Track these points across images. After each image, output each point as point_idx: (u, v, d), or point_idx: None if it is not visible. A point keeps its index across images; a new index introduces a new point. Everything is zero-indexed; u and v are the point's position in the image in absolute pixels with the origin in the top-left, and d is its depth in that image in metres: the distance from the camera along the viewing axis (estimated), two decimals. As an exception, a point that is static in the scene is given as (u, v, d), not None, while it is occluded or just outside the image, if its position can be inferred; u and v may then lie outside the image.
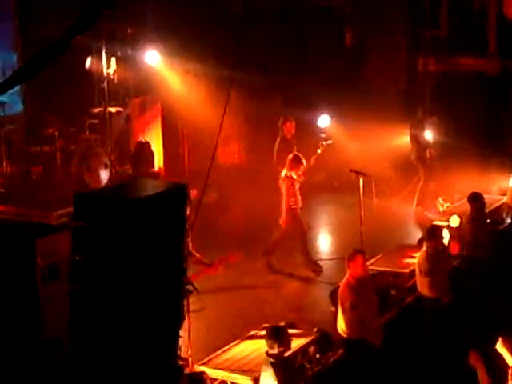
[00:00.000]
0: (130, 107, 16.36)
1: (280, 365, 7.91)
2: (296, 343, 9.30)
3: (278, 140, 14.43)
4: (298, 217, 12.93)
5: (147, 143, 15.87)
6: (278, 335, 8.02)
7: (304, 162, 12.94)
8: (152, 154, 15.87)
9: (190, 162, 16.36)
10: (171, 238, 7.35)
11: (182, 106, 16.31)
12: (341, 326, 9.58)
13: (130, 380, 7.10)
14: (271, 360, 7.90)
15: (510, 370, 7.64)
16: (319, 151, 13.90)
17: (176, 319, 7.54)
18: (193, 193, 14.16)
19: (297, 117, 14.98)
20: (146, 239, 7.03)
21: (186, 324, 7.93)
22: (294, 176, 12.85)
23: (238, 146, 18.17)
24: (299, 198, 12.98)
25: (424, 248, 10.95)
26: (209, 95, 16.56)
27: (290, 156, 12.96)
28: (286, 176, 12.89)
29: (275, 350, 7.95)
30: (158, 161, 16.26)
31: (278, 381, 7.84)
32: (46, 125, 14.44)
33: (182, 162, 16.38)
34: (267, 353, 8.04)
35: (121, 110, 15.77)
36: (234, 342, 9.53)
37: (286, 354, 8.21)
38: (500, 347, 7.77)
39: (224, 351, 9.34)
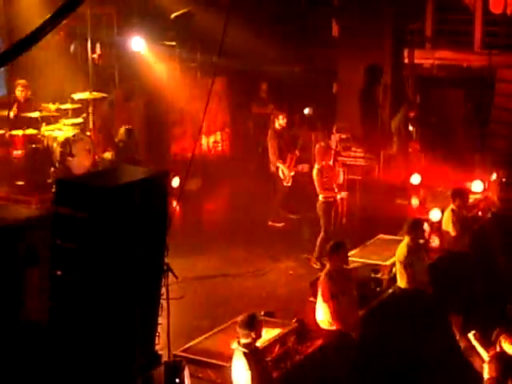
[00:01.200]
0: (115, 93, 16.32)
1: (252, 355, 7.85)
2: (274, 333, 9.34)
3: (270, 133, 14.56)
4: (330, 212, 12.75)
5: (131, 130, 15.83)
6: (251, 324, 7.93)
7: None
8: (135, 140, 15.83)
9: (173, 149, 16.36)
10: (153, 224, 7.37)
11: (166, 93, 16.28)
12: (319, 316, 9.63)
13: (108, 366, 7.12)
14: (244, 350, 7.86)
15: (484, 364, 7.71)
16: (299, 143, 14.12)
17: (155, 306, 7.57)
18: (175, 180, 14.24)
19: (282, 108, 15.05)
20: (128, 226, 7.04)
21: (165, 311, 7.94)
22: (317, 166, 12.69)
23: (223, 134, 18.17)
24: (335, 188, 12.82)
25: (405, 241, 11.01)
26: (194, 82, 16.57)
27: (318, 146, 12.92)
28: (318, 169, 12.64)
29: (248, 340, 7.89)
30: (141, 148, 16.23)
31: (251, 371, 7.80)
32: (29, 109, 14.37)
33: (164, 149, 16.38)
34: (239, 342, 7.98)
35: (105, 95, 15.71)
36: (214, 330, 9.56)
37: (259, 344, 8.17)
38: (473, 340, 7.85)
39: (203, 339, 9.36)
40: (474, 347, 8.09)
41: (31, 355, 7.18)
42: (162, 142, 16.62)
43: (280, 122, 14.54)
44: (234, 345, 8.09)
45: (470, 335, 8.12)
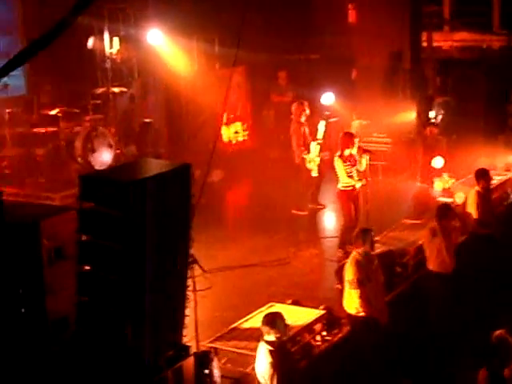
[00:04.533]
0: (134, 87, 16.36)
1: (277, 352, 7.68)
2: (302, 321, 9.34)
3: (294, 126, 14.49)
4: (350, 200, 12.67)
5: (151, 123, 15.86)
6: (273, 323, 7.66)
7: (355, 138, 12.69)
8: (156, 134, 15.87)
9: (194, 142, 16.37)
10: (177, 216, 7.38)
11: (185, 85, 16.29)
12: (347, 303, 9.61)
13: (134, 358, 7.14)
14: (268, 347, 7.64)
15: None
16: (320, 129, 14.02)
17: (181, 297, 7.58)
18: (196, 173, 14.20)
19: (302, 95, 14.99)
20: (154, 219, 7.06)
21: (192, 303, 7.95)
22: (346, 153, 12.44)
23: (243, 124, 18.17)
24: (355, 176, 12.49)
25: (432, 225, 10.93)
26: (213, 74, 16.55)
27: (341, 134, 12.78)
28: (339, 156, 12.53)
29: (272, 337, 7.64)
30: (162, 141, 16.26)
31: (275, 367, 7.56)
32: (50, 106, 14.44)
33: (185, 142, 16.39)
34: (263, 339, 7.73)
35: (124, 90, 15.76)
36: (241, 321, 9.56)
37: (285, 338, 7.98)
38: None
39: (231, 330, 9.37)
40: None
41: (59, 350, 7.22)
42: (182, 135, 16.64)
43: (304, 113, 14.46)
44: (261, 339, 7.96)
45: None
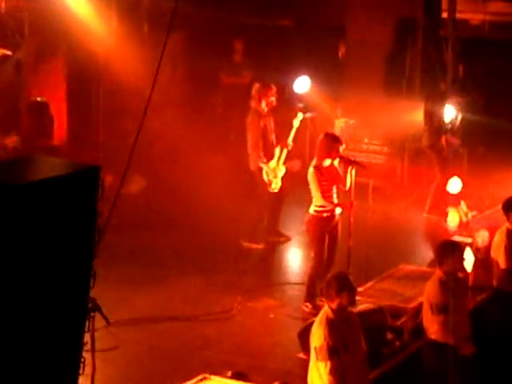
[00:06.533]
0: (23, 51, 16.28)
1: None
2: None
3: (251, 117, 14.54)
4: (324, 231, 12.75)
5: (45, 104, 15.79)
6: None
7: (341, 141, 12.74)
8: (52, 119, 15.81)
9: (107, 134, 16.34)
10: (73, 242, 7.34)
11: (97, 53, 16.26)
12: (312, 380, 9.63)
13: None
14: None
15: None
16: (295, 125, 14.10)
17: (73, 361, 7.54)
18: (107, 179, 14.16)
19: (264, 77, 15.07)
20: (39, 242, 7.00)
21: (89, 369, 7.92)
22: (326, 163, 12.53)
23: (178, 113, 18.19)
24: (334, 197, 12.67)
25: (436, 274, 11.04)
26: (138, 39, 16.55)
27: (321, 137, 12.78)
28: (315, 167, 12.53)
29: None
30: (60, 130, 16.20)
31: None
32: None
33: (94, 133, 16.36)
34: None
35: (8, 53, 15.67)
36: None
37: None
38: None
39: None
40: None
41: None
42: (90, 123, 16.60)
43: (269, 100, 14.51)
44: None
45: None
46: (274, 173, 14.32)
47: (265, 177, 14.36)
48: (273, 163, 14.30)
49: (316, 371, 9.57)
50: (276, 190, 14.39)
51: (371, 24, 17.69)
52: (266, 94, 14.53)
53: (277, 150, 14.29)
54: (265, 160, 14.32)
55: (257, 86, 14.69)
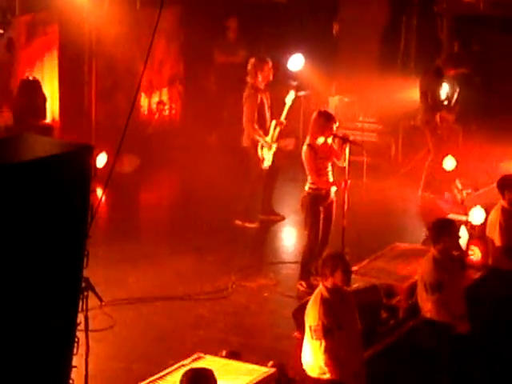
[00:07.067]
0: (14, 28, 16.22)
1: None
2: (242, 382, 9.34)
3: (248, 91, 14.51)
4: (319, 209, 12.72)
5: (37, 82, 15.75)
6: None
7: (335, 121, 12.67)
8: (44, 98, 15.78)
9: (100, 112, 16.31)
10: (67, 222, 7.33)
11: (90, 30, 16.21)
12: (307, 359, 9.64)
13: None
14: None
15: None
16: (288, 103, 14.08)
17: (67, 341, 7.53)
18: (101, 158, 14.20)
19: (259, 55, 15.04)
20: (30, 223, 6.99)
21: (82, 349, 7.92)
22: (320, 141, 12.55)
23: (172, 92, 18.16)
24: (330, 175, 12.68)
25: (431, 252, 11.04)
26: (131, 16, 16.50)
27: (315, 115, 12.72)
28: (309, 146, 12.49)
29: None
30: (52, 109, 16.17)
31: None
32: None
33: (87, 111, 16.33)
34: None
35: (0, 31, 15.62)
36: (154, 377, 9.53)
37: None
38: None
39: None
40: None
41: None
42: (82, 101, 16.57)
43: (265, 74, 14.47)
44: None
45: None
46: (268, 148, 14.26)
47: (259, 152, 14.30)
48: (268, 139, 14.26)
49: (311, 350, 9.58)
50: (267, 165, 14.34)
51: (365, 1, 17.67)
52: (263, 68, 14.49)
53: (272, 125, 14.25)
54: (261, 132, 14.26)
55: (253, 60, 14.64)
